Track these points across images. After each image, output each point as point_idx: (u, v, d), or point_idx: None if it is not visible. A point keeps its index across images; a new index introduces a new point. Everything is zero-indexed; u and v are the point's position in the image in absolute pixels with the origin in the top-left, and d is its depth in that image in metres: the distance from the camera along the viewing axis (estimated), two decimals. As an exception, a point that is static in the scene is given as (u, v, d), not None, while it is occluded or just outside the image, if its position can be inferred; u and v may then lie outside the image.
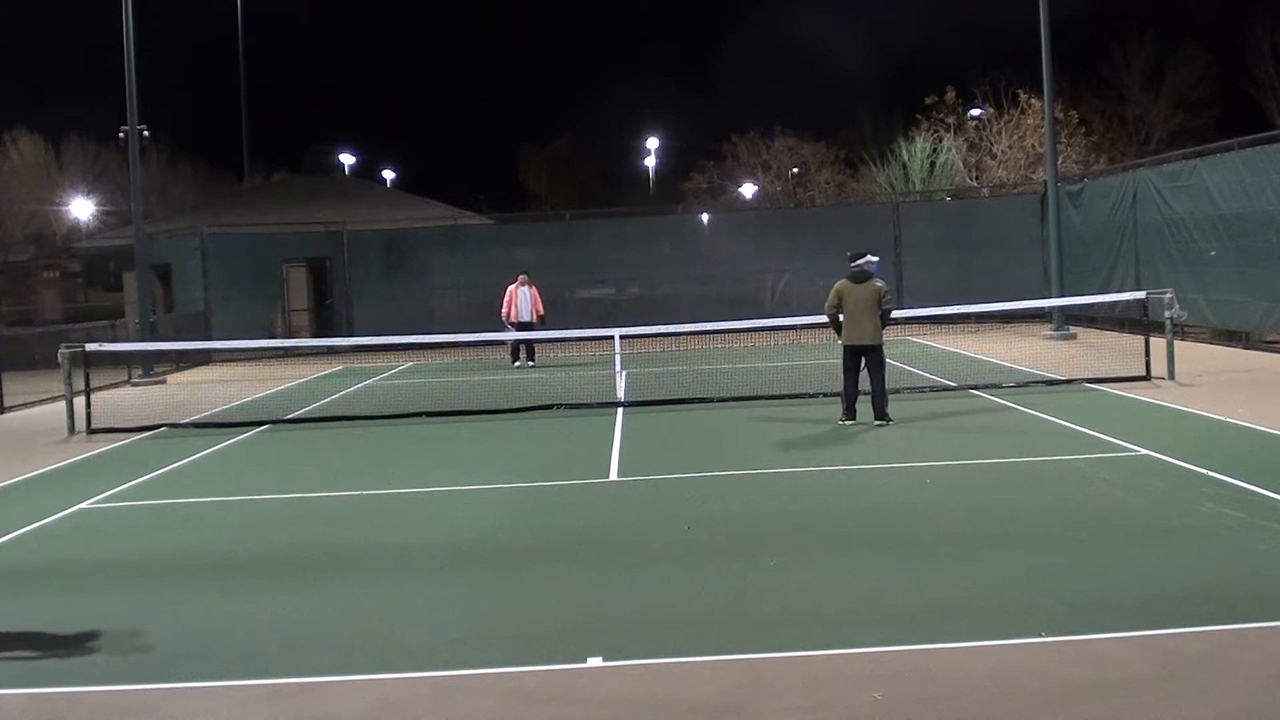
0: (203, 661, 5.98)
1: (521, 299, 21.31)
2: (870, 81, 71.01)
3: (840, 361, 12.83)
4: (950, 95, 37.28)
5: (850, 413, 12.62)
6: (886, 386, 12.70)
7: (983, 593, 6.55)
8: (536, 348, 21.87)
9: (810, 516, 8.69)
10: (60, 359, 15.09)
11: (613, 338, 17.29)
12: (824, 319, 13.13)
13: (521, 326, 20.99)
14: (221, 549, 8.42)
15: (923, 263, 27.24)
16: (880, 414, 12.56)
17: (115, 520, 9.75)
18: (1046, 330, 23.06)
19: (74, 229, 55.57)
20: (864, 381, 12.68)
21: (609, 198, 57.78)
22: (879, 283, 12.57)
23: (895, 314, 13.20)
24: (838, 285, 12.66)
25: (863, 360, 12.59)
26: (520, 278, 21.57)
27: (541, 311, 21.58)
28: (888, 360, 13.06)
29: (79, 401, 14.98)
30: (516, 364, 21.35)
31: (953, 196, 34.64)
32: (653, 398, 15.50)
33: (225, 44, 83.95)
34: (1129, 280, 21.83)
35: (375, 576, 7.54)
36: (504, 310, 21.43)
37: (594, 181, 71.33)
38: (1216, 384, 14.80)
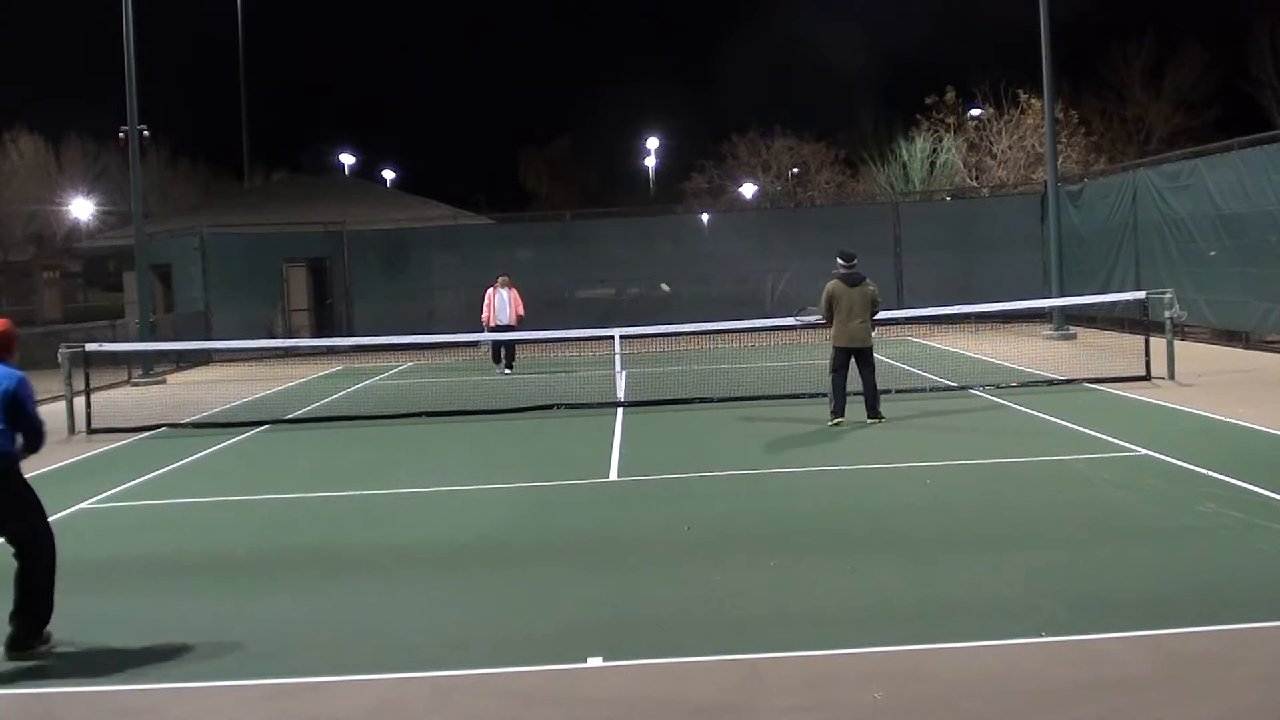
0: (203, 661, 5.98)
1: (500, 301, 20.84)
2: (870, 81, 71.25)
3: (827, 361, 12.92)
4: (950, 95, 37.27)
5: (840, 411, 12.67)
6: (877, 385, 12.80)
7: (983, 593, 6.55)
8: (520, 349, 21.57)
9: (810, 516, 8.69)
10: (60, 359, 15.09)
11: (613, 338, 17.29)
12: (819, 318, 13.18)
13: (500, 329, 20.49)
14: (221, 549, 8.42)
15: (923, 263, 27.24)
16: (873, 412, 12.63)
17: (115, 520, 9.75)
18: (1046, 330, 23.05)
19: (74, 229, 55.59)
20: (854, 382, 12.74)
21: (609, 198, 57.83)
22: (872, 286, 12.76)
23: (896, 314, 13.37)
24: (829, 288, 12.69)
25: (852, 360, 12.65)
26: (500, 279, 21.08)
27: (521, 313, 21.12)
28: (883, 359, 13.09)
29: (79, 401, 14.98)
30: (499, 368, 20.90)
31: (953, 196, 34.63)
32: (653, 398, 15.50)
33: (225, 44, 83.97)
34: (1129, 280, 21.82)
35: (375, 576, 7.55)
36: (484, 314, 20.99)
37: (594, 181, 71.40)
38: (1216, 384, 14.80)
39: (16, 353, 6.63)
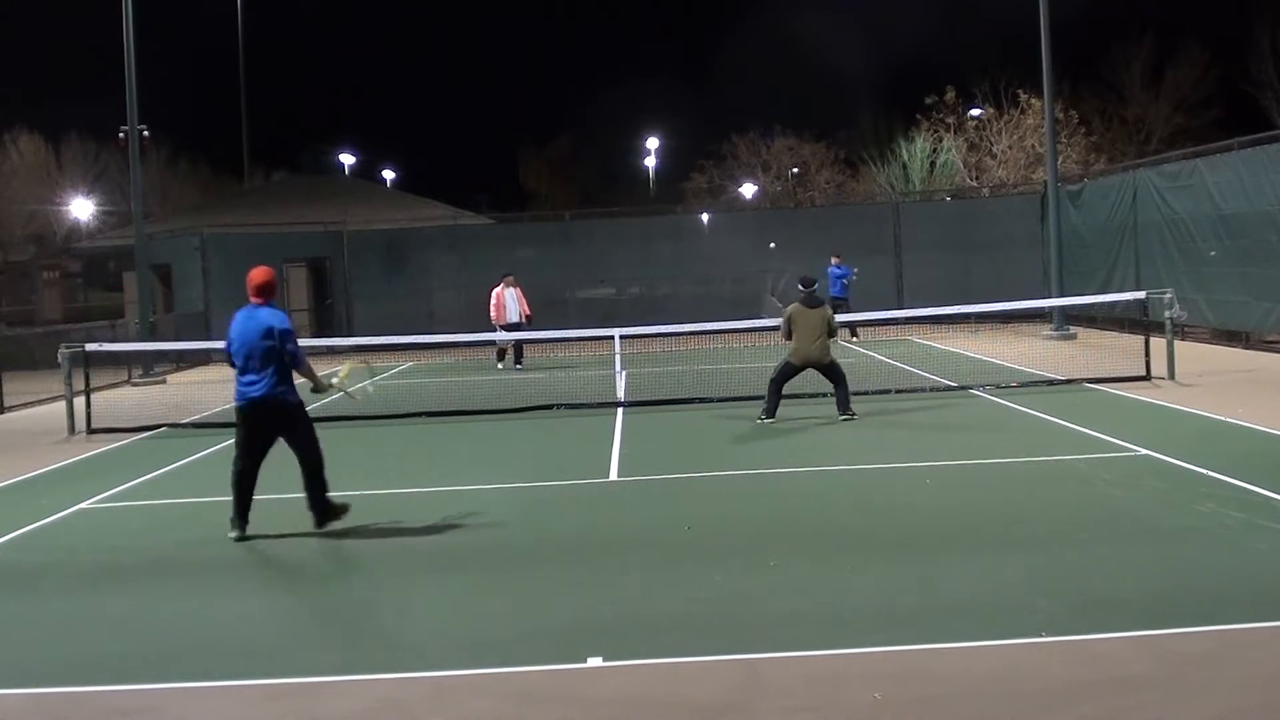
0: (203, 661, 5.98)
1: (509, 300, 21.11)
2: (870, 81, 71.18)
3: (771, 365, 13.48)
4: (950, 95, 37.30)
5: (772, 413, 13.13)
6: (849, 388, 13.31)
7: (983, 593, 6.55)
8: (525, 348, 21.81)
9: (810, 516, 8.70)
10: (60, 359, 15.09)
11: (613, 338, 17.29)
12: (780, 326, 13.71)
13: (510, 328, 20.75)
14: (221, 549, 8.42)
15: (923, 263, 27.25)
16: (845, 409, 13.07)
17: (115, 520, 9.76)
18: (1046, 330, 23.05)
19: (74, 229, 55.58)
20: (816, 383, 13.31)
21: (609, 198, 57.83)
22: (828, 311, 13.47)
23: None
24: (791, 311, 13.32)
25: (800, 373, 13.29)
26: (506, 279, 21.37)
27: (529, 311, 21.41)
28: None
29: (79, 401, 14.98)
30: (501, 365, 21.21)
31: (953, 196, 34.64)
32: (652, 398, 15.50)
33: (225, 44, 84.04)
34: (1129, 280, 21.83)
35: (375, 576, 7.55)
36: (493, 314, 21.16)
37: (594, 181, 71.42)
38: (1216, 384, 14.80)
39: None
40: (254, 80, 77.48)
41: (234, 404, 8.80)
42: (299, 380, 8.83)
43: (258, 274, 8.82)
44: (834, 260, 23.30)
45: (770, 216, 35.65)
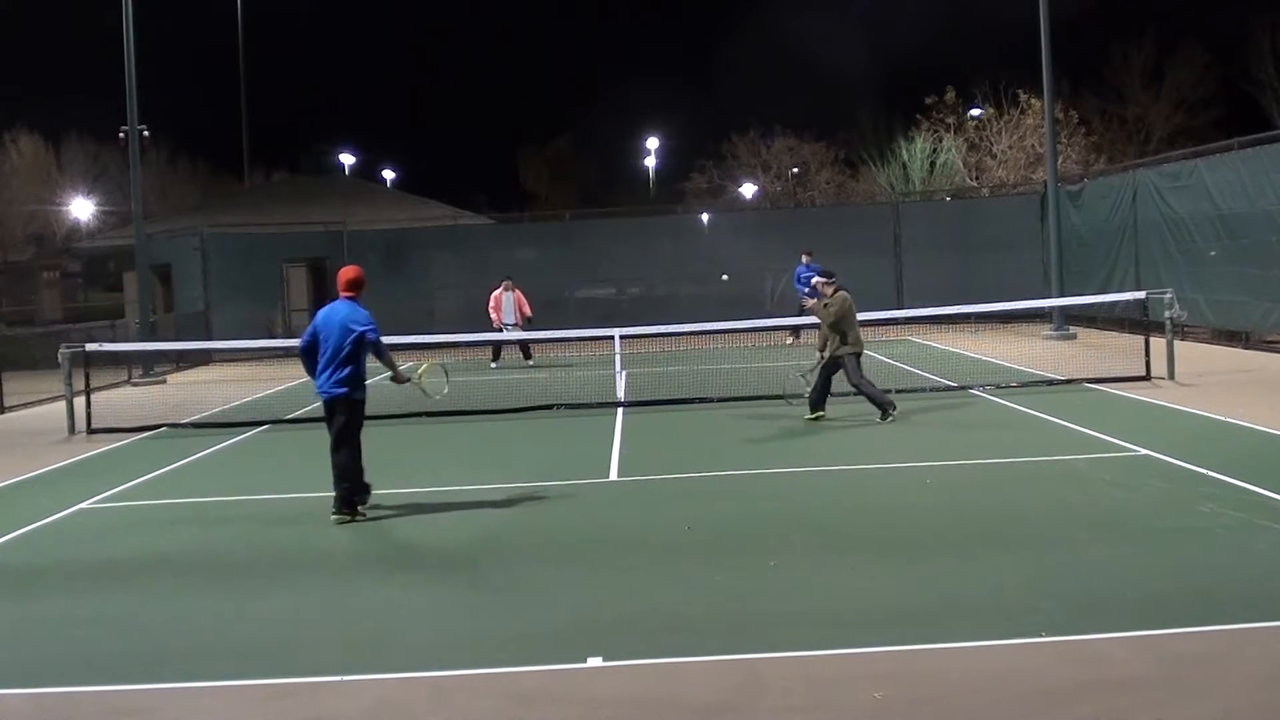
0: (203, 661, 5.98)
1: (506, 303, 21.59)
2: (870, 81, 71.14)
3: (831, 368, 13.08)
4: (950, 95, 37.28)
5: (890, 403, 12.87)
6: None
7: (983, 593, 6.55)
8: (529, 348, 22.17)
9: (810, 516, 8.69)
10: (60, 359, 15.08)
11: (613, 338, 17.29)
12: (794, 323, 13.52)
13: (507, 329, 21.30)
14: (221, 549, 8.43)
15: (923, 263, 27.20)
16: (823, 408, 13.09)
17: (115, 520, 9.75)
18: (1046, 330, 23.04)
19: (74, 229, 55.62)
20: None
21: (609, 198, 57.81)
22: None
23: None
24: (848, 301, 12.98)
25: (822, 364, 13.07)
26: (505, 282, 21.84)
27: (528, 312, 21.83)
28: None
29: (79, 401, 14.97)
30: (495, 365, 21.62)
31: (953, 196, 34.62)
32: (652, 398, 15.49)
33: (225, 44, 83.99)
34: (1129, 280, 21.81)
35: (375, 576, 7.55)
36: (493, 317, 21.67)
37: (594, 181, 71.39)
38: (1216, 384, 14.79)
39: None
40: (254, 80, 77.40)
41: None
42: (370, 380, 9.19)
43: (346, 271, 9.33)
44: (804, 259, 22.85)
45: (770, 216, 35.63)
